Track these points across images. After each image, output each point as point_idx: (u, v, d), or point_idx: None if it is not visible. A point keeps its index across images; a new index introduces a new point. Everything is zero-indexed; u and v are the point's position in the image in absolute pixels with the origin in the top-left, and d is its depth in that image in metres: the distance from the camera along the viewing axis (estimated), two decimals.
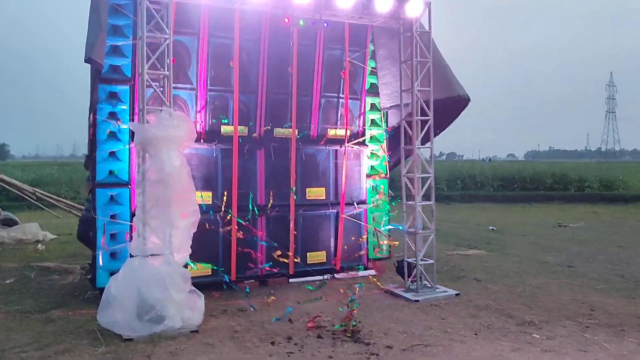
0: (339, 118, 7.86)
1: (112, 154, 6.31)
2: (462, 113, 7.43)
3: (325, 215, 7.80)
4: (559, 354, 4.75)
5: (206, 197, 6.87)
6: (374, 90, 8.06)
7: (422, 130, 6.82)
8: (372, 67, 7.94)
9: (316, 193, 7.75)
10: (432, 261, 6.87)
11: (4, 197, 16.37)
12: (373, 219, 8.13)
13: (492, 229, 13.34)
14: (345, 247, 7.83)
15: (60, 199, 13.27)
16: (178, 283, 5.24)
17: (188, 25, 6.70)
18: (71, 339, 5.03)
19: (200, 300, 5.50)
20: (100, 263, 6.22)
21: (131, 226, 6.12)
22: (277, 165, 7.39)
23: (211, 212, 6.82)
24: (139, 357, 4.65)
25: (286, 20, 6.35)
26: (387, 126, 8.22)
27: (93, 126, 6.35)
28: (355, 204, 7.95)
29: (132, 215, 6.17)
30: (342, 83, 7.78)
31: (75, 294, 6.74)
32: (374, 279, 7.08)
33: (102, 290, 5.63)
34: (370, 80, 8.03)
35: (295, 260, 7.37)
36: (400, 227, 7.09)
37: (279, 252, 7.13)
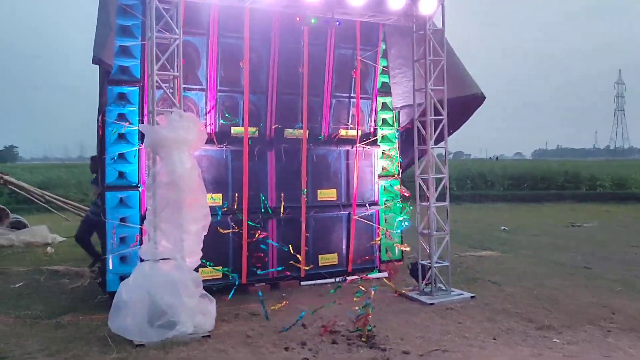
0: (350, 118, 7.75)
1: (122, 156, 6.23)
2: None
3: (337, 216, 7.68)
4: None
5: (216, 199, 6.78)
6: (385, 90, 7.94)
7: (435, 130, 6.69)
8: (383, 66, 7.82)
9: (327, 194, 7.63)
10: (446, 263, 6.73)
11: (13, 200, 16.36)
12: (385, 220, 8.00)
13: (504, 229, 13.16)
14: (357, 249, 7.70)
15: (69, 201, 13.24)
16: (190, 288, 5.14)
17: (197, 26, 6.60)
18: (82, 345, 4.94)
19: (211, 305, 5.40)
20: (110, 267, 6.14)
21: (141, 229, 6.04)
22: (288, 167, 7.28)
23: (221, 214, 6.73)
24: None
25: (297, 19, 6.24)
26: (398, 126, 8.10)
27: (102, 128, 6.28)
28: (367, 205, 7.83)
29: (142, 218, 6.09)
30: (353, 82, 7.66)
31: (85, 298, 6.66)
32: (389, 282, 6.95)
33: (112, 294, 5.56)
34: (381, 79, 7.91)
35: (306, 268, 7.26)
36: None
37: (293, 257, 7.03)
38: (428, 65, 6.56)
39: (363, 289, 6.16)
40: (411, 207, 7.83)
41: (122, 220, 6.19)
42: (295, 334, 5.24)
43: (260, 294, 6.05)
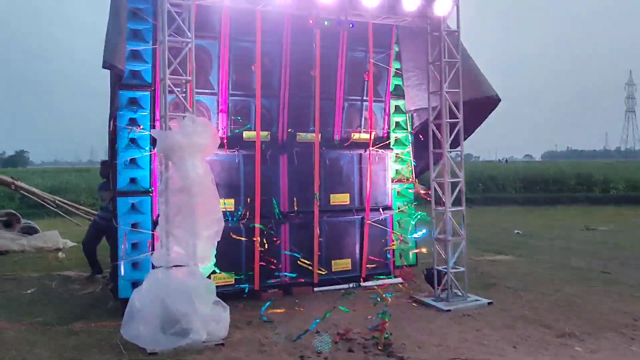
0: (363, 121, 7.65)
1: (133, 161, 6.17)
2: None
3: (350, 221, 7.57)
4: None
5: (228, 204, 6.70)
6: (398, 92, 7.83)
7: (451, 134, 6.58)
8: (396, 69, 7.71)
9: (340, 199, 7.53)
10: (462, 269, 6.60)
11: (24, 204, 16.43)
12: (399, 224, 7.89)
13: (518, 232, 12.99)
14: (371, 254, 7.59)
15: (80, 206, 13.26)
16: (203, 295, 5.05)
17: (208, 29, 6.54)
18: (94, 353, 4.87)
19: (225, 313, 5.30)
20: (122, 273, 6.07)
21: (153, 235, 5.97)
22: (300, 171, 7.19)
23: (233, 219, 6.65)
24: None
25: (310, 21, 6.15)
26: (412, 129, 7.99)
27: (113, 133, 6.23)
28: (380, 209, 7.72)
29: (154, 223, 6.02)
30: (365, 85, 7.57)
31: (97, 304, 6.62)
32: (405, 287, 6.82)
33: (124, 301, 5.49)
34: (394, 82, 7.81)
35: (321, 272, 7.16)
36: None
37: (305, 262, 6.95)
38: (443, 67, 6.45)
39: (381, 291, 6.05)
40: (424, 214, 7.71)
41: (134, 226, 6.12)
42: (310, 341, 5.13)
43: (270, 300, 5.94)
